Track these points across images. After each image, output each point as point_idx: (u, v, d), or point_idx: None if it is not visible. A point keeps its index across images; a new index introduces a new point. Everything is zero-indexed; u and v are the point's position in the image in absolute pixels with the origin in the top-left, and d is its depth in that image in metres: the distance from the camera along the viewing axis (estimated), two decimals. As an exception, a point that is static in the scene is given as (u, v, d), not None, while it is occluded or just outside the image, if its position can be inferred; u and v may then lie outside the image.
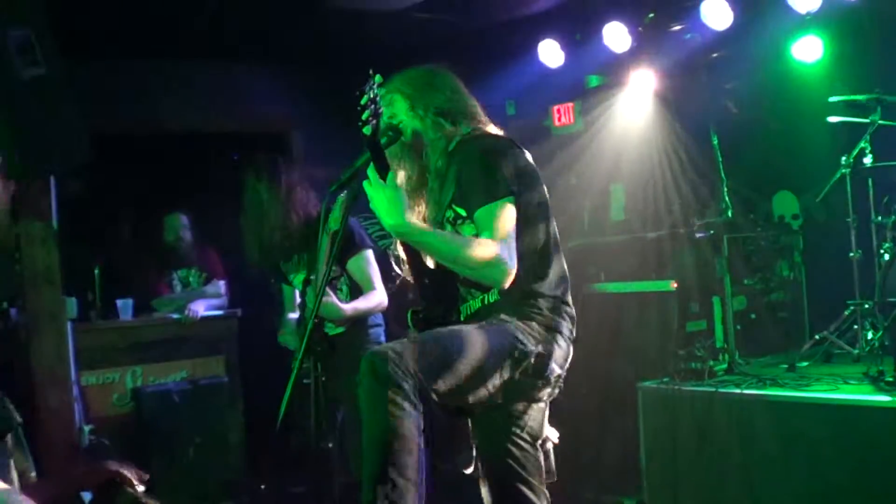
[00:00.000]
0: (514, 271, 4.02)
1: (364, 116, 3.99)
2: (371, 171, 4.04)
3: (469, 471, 4.31)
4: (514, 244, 4.03)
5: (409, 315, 4.40)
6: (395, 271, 4.60)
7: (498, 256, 3.96)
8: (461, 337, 3.97)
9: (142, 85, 9.85)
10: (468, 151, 4.23)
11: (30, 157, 5.77)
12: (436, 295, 4.35)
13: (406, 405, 3.68)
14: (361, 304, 6.15)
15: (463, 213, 4.17)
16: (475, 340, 3.95)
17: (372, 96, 3.99)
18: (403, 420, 3.67)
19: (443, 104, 4.34)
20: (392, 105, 4.37)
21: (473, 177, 4.14)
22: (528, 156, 4.33)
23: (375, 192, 4.01)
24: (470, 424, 4.31)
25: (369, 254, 6.25)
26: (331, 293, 5.80)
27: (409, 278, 4.50)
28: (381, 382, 3.69)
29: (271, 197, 6.29)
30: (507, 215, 4.06)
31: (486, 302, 4.24)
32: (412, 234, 4.05)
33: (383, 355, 3.75)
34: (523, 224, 4.14)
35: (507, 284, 4.04)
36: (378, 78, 4.04)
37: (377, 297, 6.22)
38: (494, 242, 3.98)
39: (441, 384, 3.83)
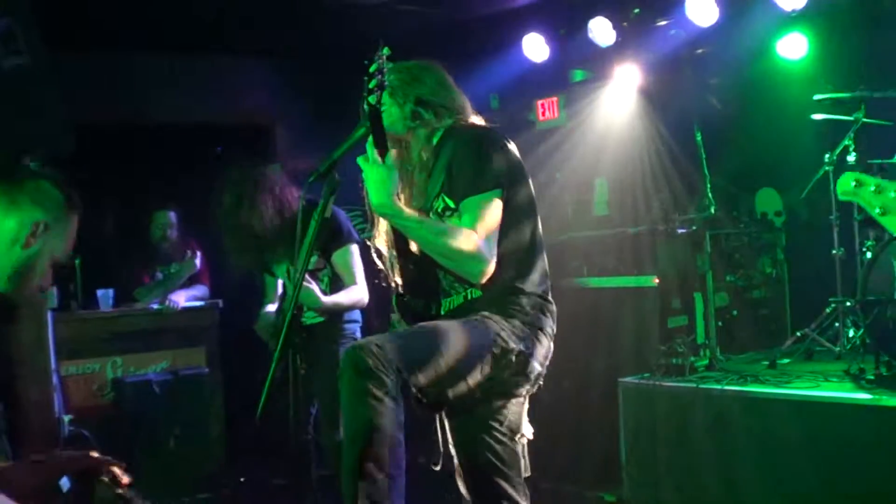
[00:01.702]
0: (491, 267, 4.02)
1: (371, 85, 3.97)
2: (369, 146, 4.02)
3: (437, 468, 4.31)
4: (495, 239, 4.03)
5: (394, 299, 4.39)
6: (378, 267, 4.59)
7: (478, 250, 3.96)
8: (444, 333, 3.95)
9: (126, 77, 9.82)
10: (460, 140, 4.21)
11: (11, 148, 5.75)
12: (419, 284, 4.32)
13: (387, 399, 3.65)
14: (342, 297, 6.13)
15: (452, 204, 4.14)
16: (458, 336, 3.94)
17: (379, 66, 3.97)
18: (384, 414, 3.65)
19: (424, 95, 4.31)
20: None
21: (464, 165, 4.12)
22: (516, 151, 4.32)
23: (370, 167, 3.99)
24: (440, 421, 4.31)
25: (354, 248, 6.23)
26: (312, 281, 5.78)
27: (388, 271, 4.48)
28: (363, 376, 3.67)
29: (243, 206, 6.24)
30: (493, 209, 4.05)
31: (468, 297, 4.22)
32: (396, 216, 4.02)
33: (365, 349, 3.72)
34: (509, 220, 4.13)
35: (483, 280, 4.04)
36: (386, 50, 4.01)
37: (358, 293, 6.19)
38: (476, 235, 3.96)
39: (422, 379, 3.81)
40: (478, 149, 4.15)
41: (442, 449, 4.31)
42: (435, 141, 4.30)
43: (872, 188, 3.86)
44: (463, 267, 4.03)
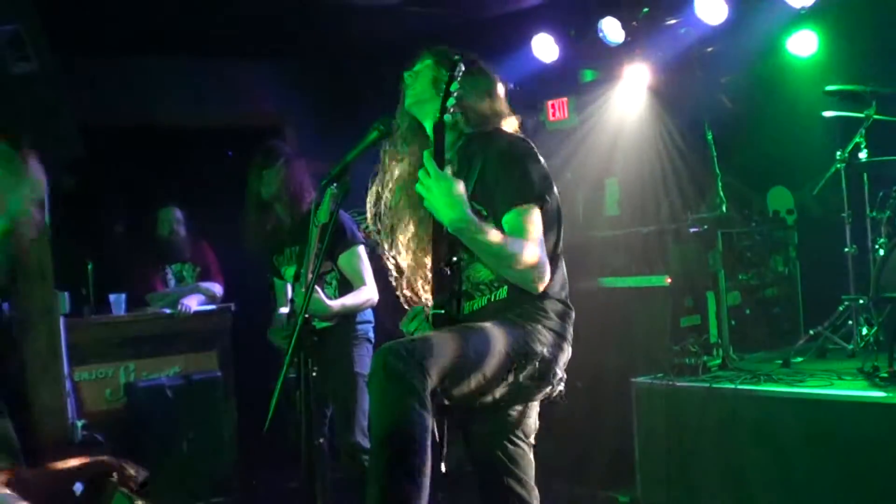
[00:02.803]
0: (548, 277, 4.05)
1: (449, 103, 3.98)
2: (429, 161, 3.95)
3: (444, 469, 4.29)
4: (545, 249, 4.04)
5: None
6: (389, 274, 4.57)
7: (540, 261, 3.98)
8: (473, 339, 3.93)
9: (135, 80, 9.84)
10: (494, 148, 4.19)
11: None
12: (444, 285, 4.29)
13: (416, 405, 3.63)
14: (349, 300, 6.14)
15: (484, 211, 4.11)
16: (487, 343, 3.92)
17: (459, 86, 3.98)
18: (413, 420, 3.62)
19: (462, 97, 4.22)
20: (416, 79, 4.35)
21: (504, 175, 4.10)
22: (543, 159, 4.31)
23: (434, 182, 3.91)
24: (442, 424, 4.27)
25: (361, 249, 6.24)
26: (318, 289, 5.78)
27: (410, 288, 4.47)
28: (393, 381, 3.64)
29: (276, 182, 6.30)
30: (538, 220, 4.06)
31: (492, 300, 4.20)
32: (471, 231, 3.94)
33: (396, 353, 3.69)
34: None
35: (540, 288, 4.05)
36: (462, 65, 4.04)
37: (366, 293, 6.20)
38: (535, 247, 3.98)
39: (451, 386, 3.80)
40: (517, 159, 4.14)
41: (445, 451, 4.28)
42: (460, 143, 4.28)
43: None
44: (525, 278, 4.03)
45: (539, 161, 4.20)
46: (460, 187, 3.92)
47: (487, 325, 4.04)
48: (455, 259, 4.21)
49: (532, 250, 3.96)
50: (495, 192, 4.10)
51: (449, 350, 3.82)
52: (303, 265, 5.56)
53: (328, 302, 5.92)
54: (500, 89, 4.44)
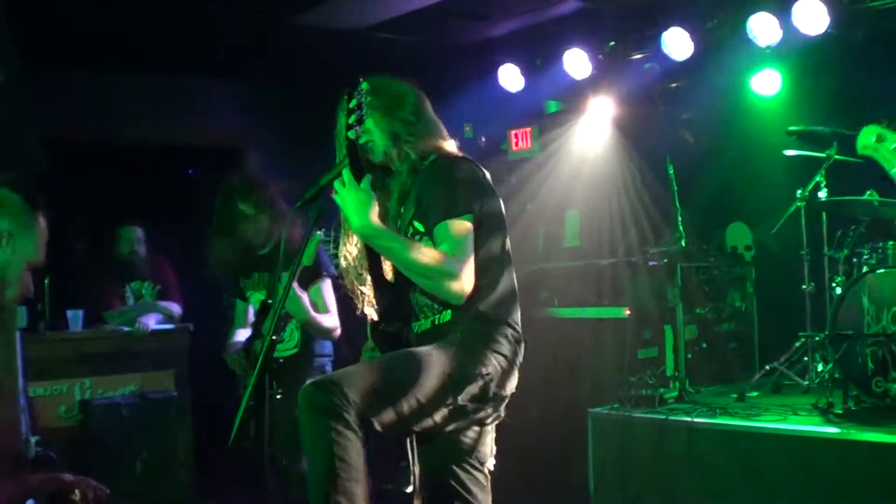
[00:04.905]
0: (468, 289, 4.00)
1: (350, 120, 3.99)
2: (346, 172, 4.00)
3: (410, 490, 4.29)
4: (471, 262, 4.02)
5: (368, 329, 4.37)
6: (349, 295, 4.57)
7: (454, 271, 3.95)
8: (405, 364, 3.95)
9: (98, 97, 9.80)
10: (431, 171, 4.21)
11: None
12: (391, 310, 4.31)
13: (348, 433, 3.66)
14: (323, 319, 6.13)
15: (421, 228, 4.14)
16: (420, 366, 3.93)
17: (359, 101, 3.99)
18: (347, 449, 3.66)
19: (400, 131, 4.28)
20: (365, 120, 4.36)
21: (433, 193, 4.12)
22: (489, 177, 4.32)
23: (347, 192, 3.97)
24: (411, 442, 4.28)
25: (328, 283, 6.23)
26: (302, 291, 5.80)
27: (357, 298, 4.46)
28: (320, 413, 3.68)
29: (251, 212, 6.26)
30: (465, 232, 4.04)
31: (436, 322, 4.20)
32: (377, 237, 4.00)
33: (321, 386, 3.74)
34: (481, 247, 4.12)
35: (460, 301, 4.02)
36: (365, 85, 4.04)
37: (332, 321, 6.20)
38: (453, 257, 3.96)
39: (384, 416, 3.81)
40: (446, 176, 4.15)
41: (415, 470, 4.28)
42: (409, 172, 4.30)
43: (894, 146, 3.84)
44: (441, 287, 4.00)
45: (474, 177, 4.23)
46: (369, 197, 3.98)
47: (425, 349, 4.05)
48: (390, 281, 4.27)
49: (446, 259, 3.97)
50: (428, 209, 4.14)
51: (374, 375, 3.87)
52: (271, 295, 5.56)
53: (310, 310, 5.92)
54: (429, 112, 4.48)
